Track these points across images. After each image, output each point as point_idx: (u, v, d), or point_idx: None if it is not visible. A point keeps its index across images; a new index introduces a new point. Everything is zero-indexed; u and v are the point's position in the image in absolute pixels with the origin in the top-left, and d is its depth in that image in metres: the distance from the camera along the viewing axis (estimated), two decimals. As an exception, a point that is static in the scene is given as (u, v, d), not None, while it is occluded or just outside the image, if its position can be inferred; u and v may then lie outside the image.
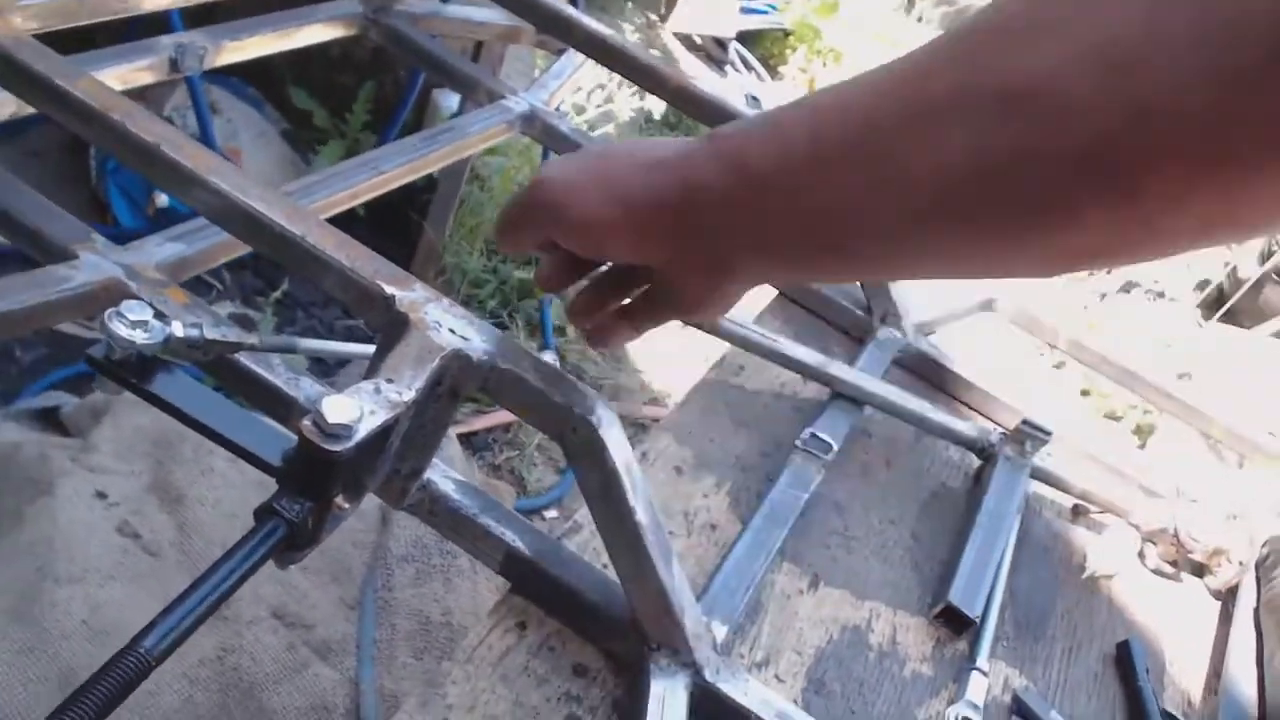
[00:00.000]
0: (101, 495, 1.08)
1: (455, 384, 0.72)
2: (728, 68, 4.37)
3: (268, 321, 2.02)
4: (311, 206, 1.02)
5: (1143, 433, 2.89)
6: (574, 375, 2.33)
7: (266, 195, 0.75)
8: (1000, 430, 1.07)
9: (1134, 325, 3.70)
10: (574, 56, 1.46)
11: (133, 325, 0.66)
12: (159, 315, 0.69)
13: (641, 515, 0.71)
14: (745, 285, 0.59)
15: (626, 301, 0.69)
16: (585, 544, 0.85)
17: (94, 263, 0.82)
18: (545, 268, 0.69)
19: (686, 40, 4.29)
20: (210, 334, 0.72)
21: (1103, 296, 3.74)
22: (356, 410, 0.64)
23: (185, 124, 2.25)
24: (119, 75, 1.05)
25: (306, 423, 0.63)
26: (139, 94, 1.05)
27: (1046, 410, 1.10)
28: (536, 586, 0.78)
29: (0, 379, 1.75)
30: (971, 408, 1.20)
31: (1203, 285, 3.83)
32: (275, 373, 0.80)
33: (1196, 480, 1.14)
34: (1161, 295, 3.84)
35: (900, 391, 1.08)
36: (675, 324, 0.72)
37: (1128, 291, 3.81)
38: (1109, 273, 3.82)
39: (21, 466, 1.11)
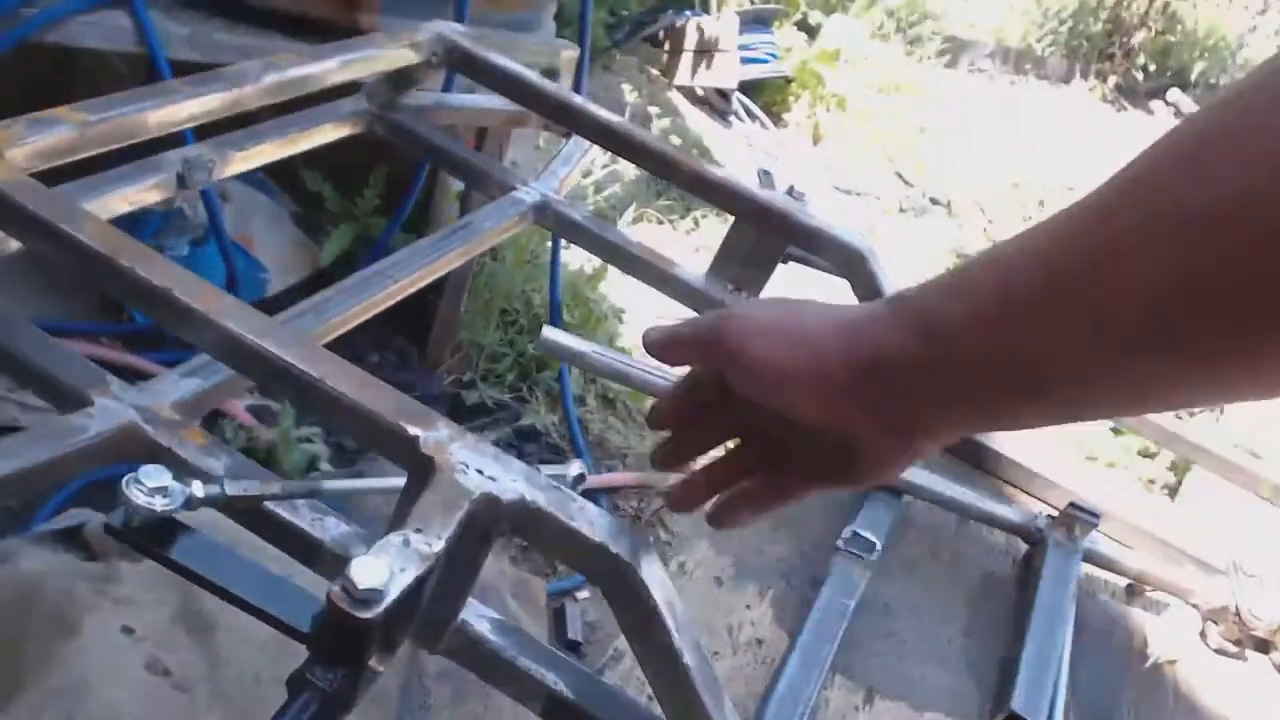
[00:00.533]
0: (128, 630, 1.05)
1: (486, 528, 0.69)
2: (731, 118, 4.38)
3: (286, 412, 2.00)
4: (330, 322, 1.00)
5: (1179, 470, 2.83)
6: (596, 444, 2.30)
7: (282, 337, 0.73)
8: (1046, 515, 1.03)
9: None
10: (581, 141, 1.44)
11: (151, 492, 0.64)
12: (178, 476, 0.66)
13: (689, 657, 0.67)
14: (934, 443, 0.58)
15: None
16: (628, 674, 0.81)
17: (108, 408, 0.80)
18: (672, 442, 0.69)
19: (689, 93, 4.31)
20: (231, 490, 0.70)
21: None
22: (386, 571, 0.61)
23: (196, 214, 2.25)
24: (126, 197, 1.03)
25: (335, 589, 0.60)
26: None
27: (1095, 487, 1.06)
28: (580, 729, 0.74)
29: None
30: (1012, 484, 1.17)
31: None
32: (299, 515, 0.78)
33: (1251, 550, 1.10)
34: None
35: (940, 479, 1.04)
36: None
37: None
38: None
39: (47, 603, 1.08)
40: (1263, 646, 1.04)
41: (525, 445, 2.24)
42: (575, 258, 2.67)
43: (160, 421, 0.80)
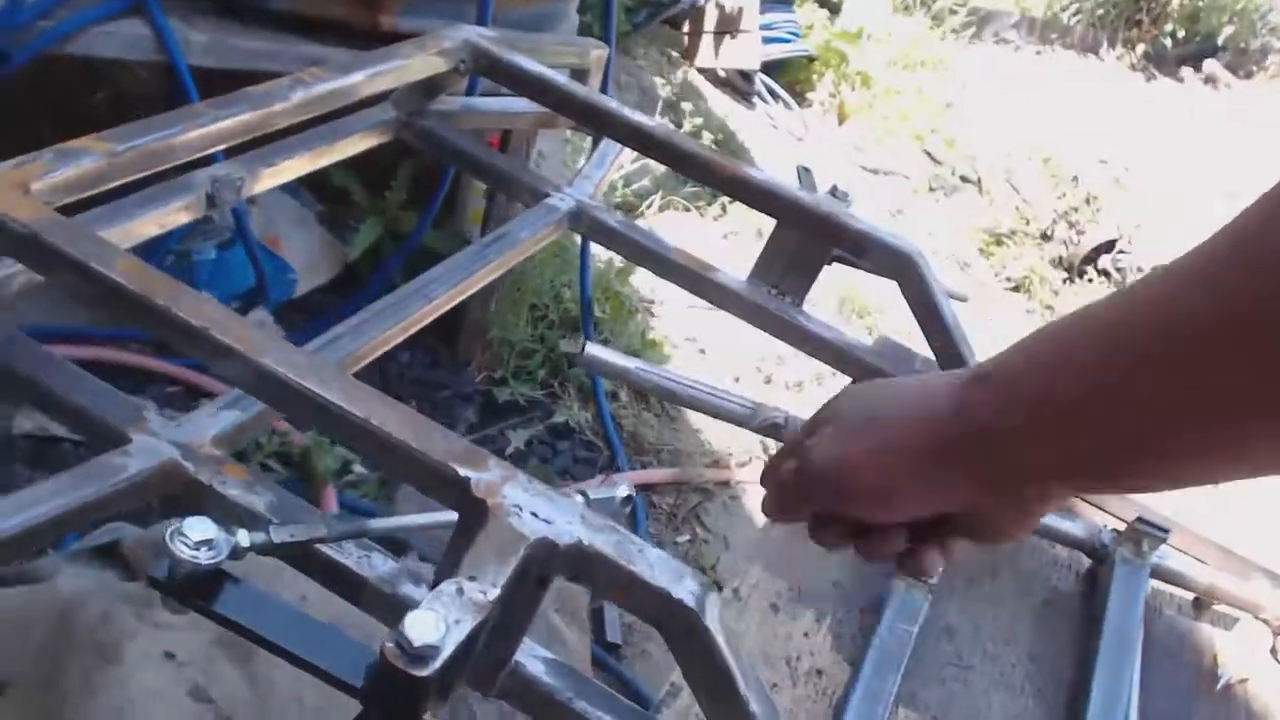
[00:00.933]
0: (170, 656, 1.04)
1: (542, 573, 0.66)
2: (755, 99, 4.32)
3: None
4: (369, 343, 0.97)
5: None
6: (630, 440, 2.27)
7: (325, 374, 0.70)
8: (1111, 529, 1.00)
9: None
10: (613, 143, 1.41)
11: (197, 545, 0.62)
12: (222, 524, 0.64)
13: (755, 705, 0.65)
14: (1050, 505, 0.59)
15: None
16: (685, 710, 0.78)
17: (147, 446, 0.77)
18: (824, 532, 0.66)
19: (711, 75, 4.25)
20: (278, 537, 0.67)
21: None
22: (441, 625, 0.58)
23: (222, 217, 2.23)
24: (156, 220, 1.01)
25: (389, 645, 0.58)
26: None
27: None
28: (641, 774, 0.72)
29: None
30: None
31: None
32: (345, 554, 0.75)
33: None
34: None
35: (999, 492, 1.01)
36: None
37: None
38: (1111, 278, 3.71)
39: (87, 628, 1.07)
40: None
41: (558, 443, 2.22)
42: (605, 250, 2.64)
43: (200, 458, 0.78)
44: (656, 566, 0.64)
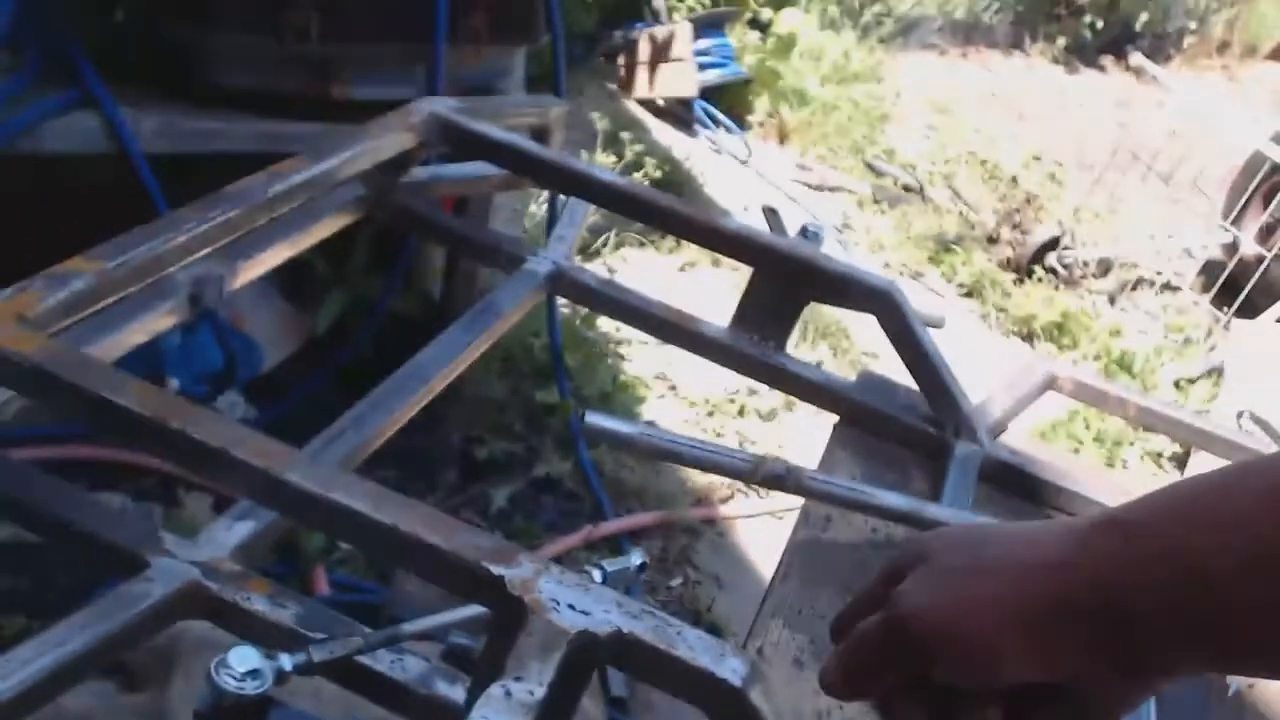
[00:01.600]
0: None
1: (585, 666, 0.67)
2: (695, 126, 4.36)
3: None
4: (369, 437, 0.98)
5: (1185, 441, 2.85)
6: (612, 486, 2.28)
7: (351, 486, 0.70)
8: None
9: (1151, 324, 3.68)
10: (582, 200, 1.42)
11: (242, 677, 0.62)
12: (266, 654, 0.64)
13: (806, 775, 0.66)
14: (1171, 681, 0.52)
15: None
16: (728, 777, 0.79)
17: (168, 568, 0.77)
18: (899, 707, 0.56)
19: (650, 105, 4.29)
20: (318, 657, 0.67)
21: (1112, 300, 3.72)
22: (498, 734, 0.59)
23: (182, 298, 2.21)
24: (144, 329, 1.00)
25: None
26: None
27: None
28: None
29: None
30: (1068, 512, 1.16)
31: (1207, 269, 3.81)
32: (378, 660, 0.75)
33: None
34: (1169, 286, 3.82)
35: (992, 520, 1.03)
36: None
37: (1135, 288, 3.79)
38: (1108, 273, 3.81)
39: (99, 749, 1.05)
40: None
41: (541, 496, 2.22)
42: (567, 295, 2.65)
43: (223, 575, 0.78)
44: (697, 648, 0.65)
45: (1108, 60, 6.91)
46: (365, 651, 0.72)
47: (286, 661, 0.65)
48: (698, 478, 2.40)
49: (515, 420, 2.32)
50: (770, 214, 1.35)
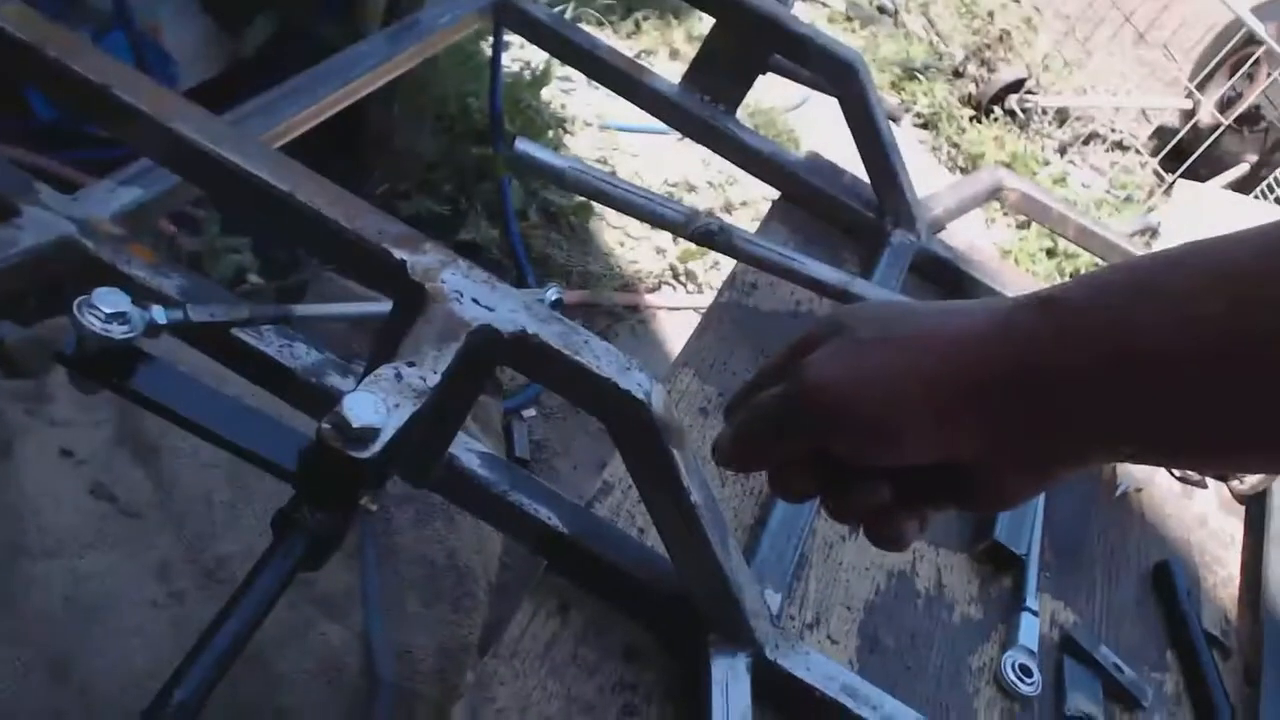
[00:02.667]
0: (67, 453, 0.99)
1: (483, 362, 0.63)
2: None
3: (213, 219, 1.88)
4: (278, 128, 0.90)
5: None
6: (539, 262, 2.23)
7: (245, 145, 0.64)
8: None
9: (1096, 179, 3.67)
10: (543, -73, 1.31)
11: (108, 319, 0.57)
12: (136, 302, 0.59)
13: (697, 495, 0.64)
14: (1076, 470, 0.49)
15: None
16: (617, 507, 0.78)
17: (40, 219, 0.71)
18: (792, 474, 0.53)
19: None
20: (196, 316, 0.63)
21: (1063, 151, 3.69)
22: (381, 408, 0.56)
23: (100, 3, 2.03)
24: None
25: (326, 427, 0.55)
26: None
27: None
28: (576, 565, 0.72)
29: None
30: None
31: (1161, 134, 3.78)
32: (266, 342, 0.71)
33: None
34: (1121, 145, 3.79)
35: (926, 307, 1.01)
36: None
37: (1088, 142, 3.76)
38: (1064, 124, 3.76)
39: (-29, 426, 1.01)
40: (1222, 475, 1.07)
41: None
42: (515, 62, 2.51)
43: (101, 235, 0.72)
44: (603, 358, 0.62)
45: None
46: (251, 324, 0.67)
47: (160, 314, 0.60)
48: (626, 265, 2.36)
49: (445, 180, 2.24)
50: None
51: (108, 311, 0.56)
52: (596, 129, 2.69)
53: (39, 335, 1.23)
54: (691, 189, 2.67)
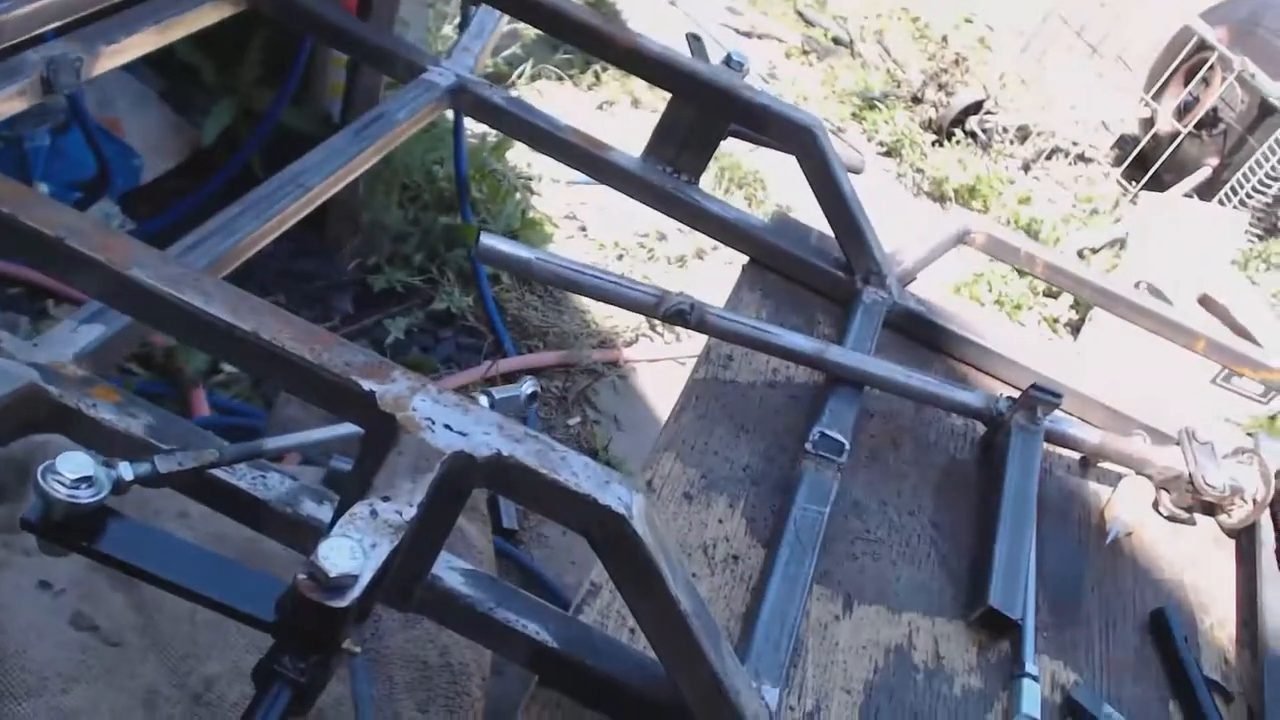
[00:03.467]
0: (45, 585, 0.97)
1: (459, 487, 0.63)
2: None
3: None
4: (242, 242, 0.90)
5: (1082, 309, 2.91)
6: (514, 325, 2.22)
7: (204, 285, 0.63)
8: (1007, 397, 1.02)
9: (1061, 193, 3.70)
10: (494, 10, 1.31)
11: (74, 484, 0.56)
12: (100, 458, 0.58)
13: (685, 604, 0.64)
14: None
15: None
16: (607, 608, 0.77)
17: (2, 369, 0.70)
18: None
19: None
20: (164, 468, 0.62)
21: (1027, 168, 3.72)
22: (358, 551, 0.55)
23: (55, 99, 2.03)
24: (-15, 109, 0.90)
25: (303, 577, 0.54)
26: None
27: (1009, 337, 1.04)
28: (568, 677, 0.71)
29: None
30: (966, 363, 1.15)
31: (1121, 144, 3.82)
32: (238, 476, 0.70)
33: (1203, 421, 1.11)
34: (1083, 158, 3.83)
35: (901, 369, 1.01)
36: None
37: (1050, 157, 3.80)
38: (1025, 141, 3.80)
39: (-53, 562, 0.99)
40: (1210, 510, 1.07)
41: (440, 330, 2.15)
42: (478, 125, 2.52)
43: (65, 380, 0.71)
44: (581, 474, 0.62)
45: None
46: (220, 465, 0.66)
47: (127, 470, 0.59)
48: (602, 321, 2.36)
49: (415, 251, 2.23)
50: (694, 40, 1.27)
51: (72, 478, 0.55)
52: (564, 185, 2.70)
53: (12, 454, 1.21)
54: (663, 237, 2.68)
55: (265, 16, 1.20)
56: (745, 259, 1.19)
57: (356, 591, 0.54)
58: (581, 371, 2.19)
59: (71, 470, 0.55)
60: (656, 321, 2.40)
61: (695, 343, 2.35)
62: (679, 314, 0.96)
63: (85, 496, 0.56)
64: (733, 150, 2.97)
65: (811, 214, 1.24)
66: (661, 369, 2.29)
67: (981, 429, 1.05)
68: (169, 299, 0.62)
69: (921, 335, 1.15)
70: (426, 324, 2.16)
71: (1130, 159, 3.61)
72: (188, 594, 0.58)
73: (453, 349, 2.11)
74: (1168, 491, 1.05)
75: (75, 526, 0.57)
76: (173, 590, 0.58)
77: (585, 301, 2.38)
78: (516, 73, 3.01)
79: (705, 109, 1.12)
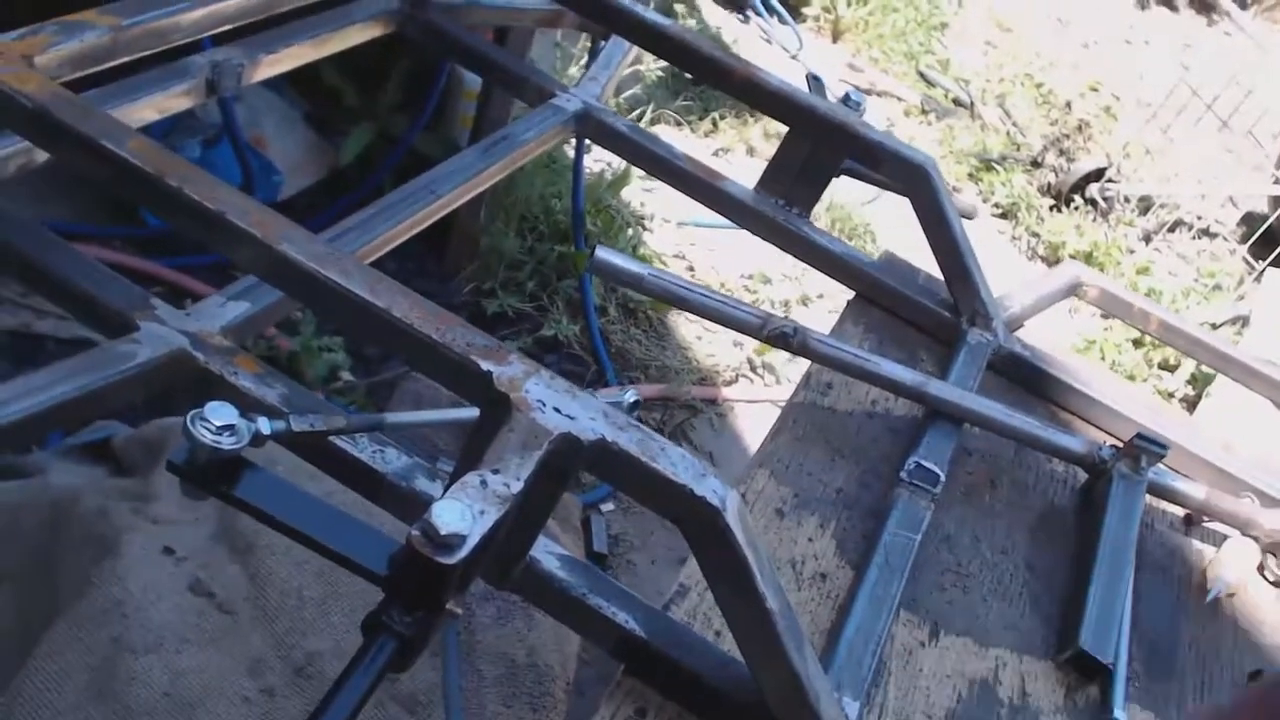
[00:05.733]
0: (169, 551, 1.04)
1: (564, 468, 0.66)
2: (749, 12, 4.23)
3: (308, 321, 1.96)
4: (375, 241, 0.96)
5: (1199, 383, 2.82)
6: (618, 356, 2.27)
7: (345, 264, 0.69)
8: (1111, 445, 1.01)
9: (1183, 267, 3.60)
10: (622, 42, 1.37)
11: (218, 430, 0.61)
12: (244, 414, 0.63)
13: (772, 602, 0.65)
14: None
15: None
16: (694, 609, 0.79)
17: (156, 334, 0.76)
18: None
19: (705, -15, 4.15)
20: (298, 427, 0.66)
21: (1148, 239, 3.64)
22: (468, 515, 0.58)
23: (206, 113, 2.17)
24: (156, 104, 0.98)
25: (416, 533, 0.58)
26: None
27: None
28: (653, 669, 0.73)
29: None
30: (1070, 411, 1.14)
31: (1248, 220, 3.71)
32: (360, 448, 0.75)
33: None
34: (1207, 232, 3.73)
35: (1002, 408, 1.01)
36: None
37: (1173, 230, 3.71)
38: (1148, 212, 3.72)
39: (82, 522, 1.06)
40: (1320, 577, 1.03)
41: (546, 356, 2.21)
42: (596, 162, 2.60)
43: (211, 348, 0.77)
44: (679, 465, 0.64)
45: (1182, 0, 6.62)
46: (347, 432, 0.71)
47: (265, 425, 0.64)
48: (704, 359, 2.39)
49: (529, 279, 2.30)
50: (813, 80, 1.30)
51: (218, 424, 0.60)
52: (674, 225, 2.75)
53: (145, 435, 1.29)
54: (767, 280, 2.70)
55: (409, 41, 1.28)
56: (848, 300, 1.21)
57: (464, 551, 0.57)
58: (680, 406, 2.22)
59: (218, 418, 0.60)
60: (757, 363, 2.42)
61: (794, 387, 2.35)
62: (782, 336, 0.99)
63: (227, 444, 0.61)
64: (845, 201, 2.99)
65: (922, 265, 1.25)
66: (759, 410, 2.30)
67: (1083, 476, 1.04)
68: (314, 274, 0.67)
69: (1026, 380, 1.15)
70: (534, 349, 2.22)
71: (1257, 236, 3.50)
72: (311, 543, 0.62)
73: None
74: (1274, 555, 1.02)
75: (216, 472, 0.62)
76: (297, 538, 0.63)
77: (688, 338, 2.41)
78: (635, 113, 3.09)
79: (820, 144, 1.15)
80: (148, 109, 0.96)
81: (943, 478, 0.93)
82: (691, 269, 2.65)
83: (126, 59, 0.85)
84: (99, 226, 2.04)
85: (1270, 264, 3.35)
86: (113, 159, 0.70)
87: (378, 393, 1.92)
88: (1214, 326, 3.08)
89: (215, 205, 0.69)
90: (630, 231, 2.55)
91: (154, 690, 0.92)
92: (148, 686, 0.92)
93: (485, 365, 0.66)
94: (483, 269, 2.29)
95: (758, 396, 2.34)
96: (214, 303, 0.82)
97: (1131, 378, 2.86)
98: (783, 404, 2.28)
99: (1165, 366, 2.94)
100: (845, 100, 1.20)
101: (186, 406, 0.65)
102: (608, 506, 1.94)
